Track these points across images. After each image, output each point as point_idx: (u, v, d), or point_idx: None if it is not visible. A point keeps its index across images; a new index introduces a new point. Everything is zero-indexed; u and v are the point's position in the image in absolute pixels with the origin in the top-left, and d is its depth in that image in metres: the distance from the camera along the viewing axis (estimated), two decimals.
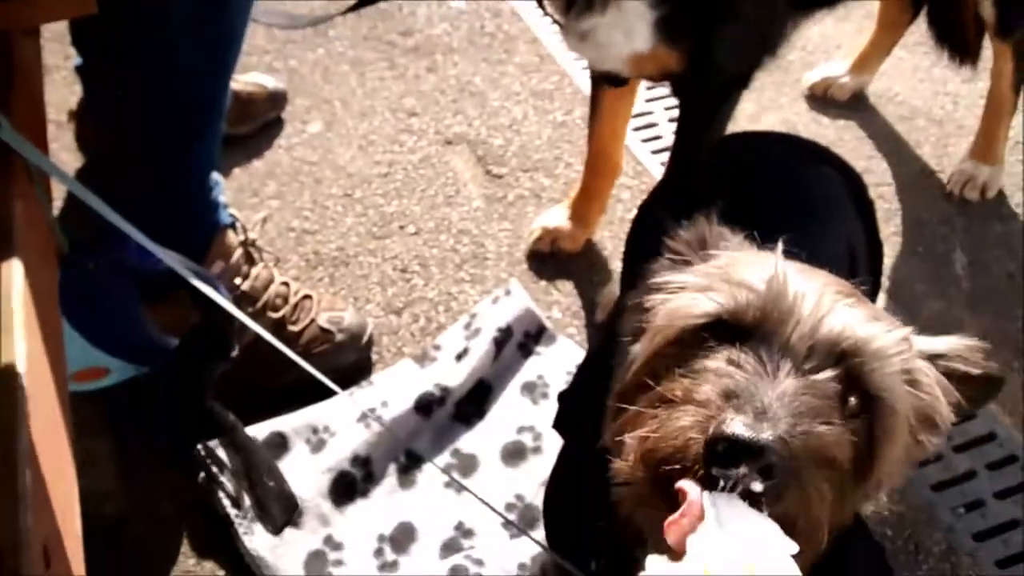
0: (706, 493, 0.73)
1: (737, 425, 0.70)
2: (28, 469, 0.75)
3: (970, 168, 2.27)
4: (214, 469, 1.57)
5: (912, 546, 1.66)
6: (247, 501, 1.49)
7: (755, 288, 0.82)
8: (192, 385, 1.36)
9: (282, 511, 1.37)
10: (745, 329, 0.81)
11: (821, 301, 0.80)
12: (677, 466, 0.74)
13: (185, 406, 1.36)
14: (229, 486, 1.55)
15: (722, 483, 0.70)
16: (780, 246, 0.87)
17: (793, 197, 1.29)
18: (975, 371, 0.90)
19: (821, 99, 2.48)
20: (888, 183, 2.30)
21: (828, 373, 0.78)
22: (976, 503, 1.74)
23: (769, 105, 2.46)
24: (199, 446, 1.59)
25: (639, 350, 0.89)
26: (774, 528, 0.71)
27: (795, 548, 0.70)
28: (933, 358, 0.88)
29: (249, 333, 1.70)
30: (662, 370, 0.84)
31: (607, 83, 1.83)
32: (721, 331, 0.82)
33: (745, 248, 0.92)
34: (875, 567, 1.07)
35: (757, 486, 0.70)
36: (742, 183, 1.29)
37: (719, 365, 0.78)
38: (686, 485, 0.72)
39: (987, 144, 2.26)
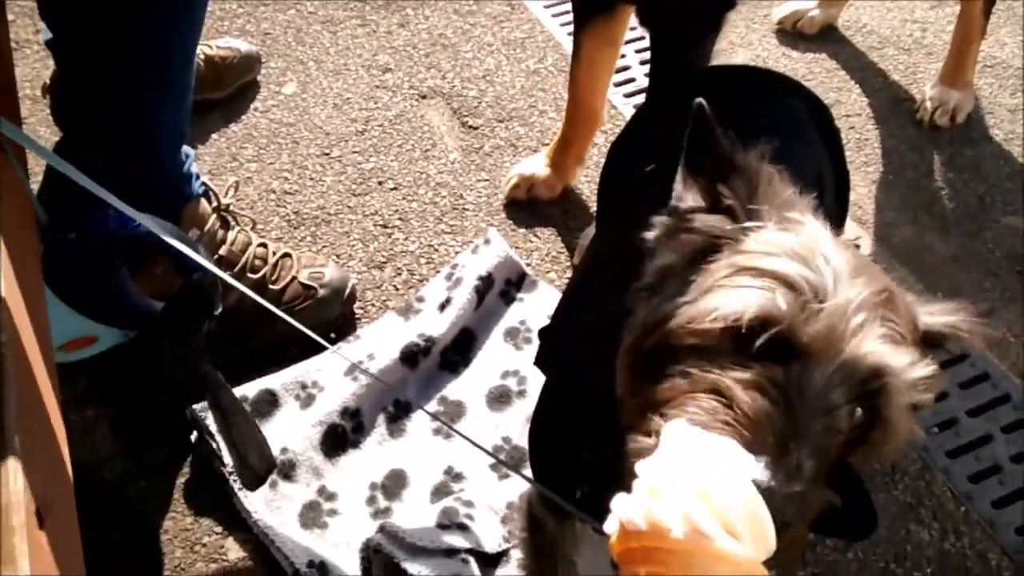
0: (669, 424, 0.77)
1: (766, 474, 0.73)
2: (17, 433, 0.78)
3: (940, 94, 2.28)
4: (207, 428, 1.61)
5: (888, 466, 1.71)
6: (228, 459, 1.53)
7: (799, 299, 0.81)
8: (180, 346, 1.39)
9: (263, 468, 1.41)
10: (782, 339, 0.80)
11: (862, 323, 0.80)
12: None
13: (175, 367, 1.39)
14: (218, 444, 1.59)
15: None
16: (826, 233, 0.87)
17: (763, 128, 1.31)
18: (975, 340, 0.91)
19: (791, 33, 2.49)
20: (859, 113, 2.32)
21: (850, 405, 0.80)
22: (949, 422, 1.79)
23: (739, 42, 2.47)
24: (188, 409, 1.64)
25: (658, 314, 0.87)
26: (736, 450, 0.74)
27: (755, 470, 0.73)
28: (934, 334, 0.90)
29: (232, 296, 1.74)
30: (682, 348, 0.84)
31: (592, 8, 1.82)
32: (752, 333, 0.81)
33: (789, 211, 0.90)
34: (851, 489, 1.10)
35: None
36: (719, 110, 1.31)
37: (754, 378, 0.79)
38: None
39: (957, 69, 2.28)
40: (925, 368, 0.82)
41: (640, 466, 0.73)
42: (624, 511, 0.70)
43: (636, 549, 0.69)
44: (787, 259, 0.83)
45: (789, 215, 0.88)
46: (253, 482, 1.45)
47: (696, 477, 0.70)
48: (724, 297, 0.82)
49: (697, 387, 0.80)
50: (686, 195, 0.92)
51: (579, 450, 1.10)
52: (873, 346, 0.80)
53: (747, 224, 0.88)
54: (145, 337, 1.46)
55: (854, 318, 0.80)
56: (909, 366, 0.81)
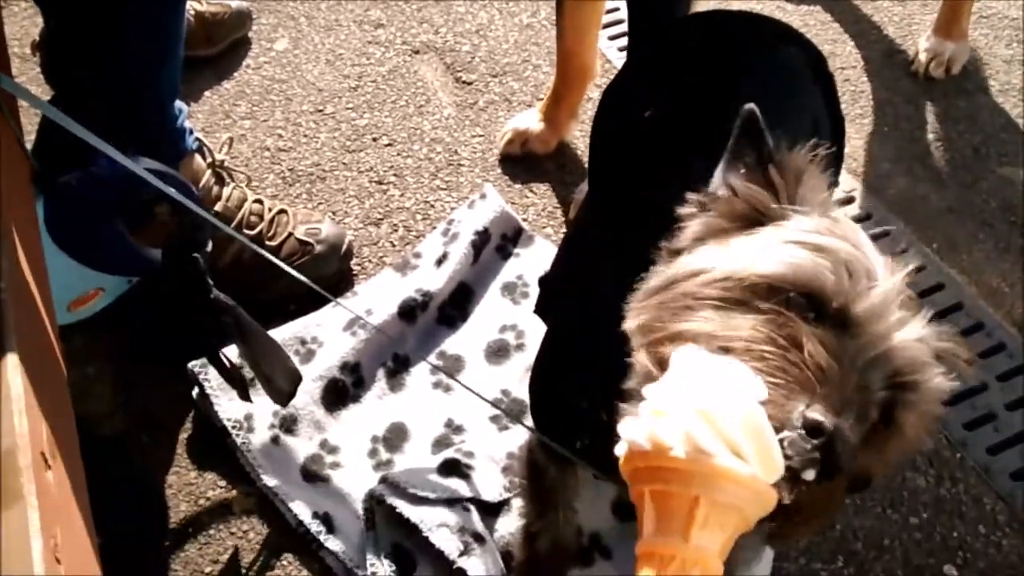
0: (681, 349, 0.77)
1: (820, 413, 0.73)
2: (19, 376, 0.78)
3: (935, 45, 2.28)
4: (207, 383, 1.62)
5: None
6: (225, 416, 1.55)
7: (851, 274, 0.81)
8: (189, 280, 1.39)
9: (289, 383, 1.44)
10: (825, 308, 0.80)
11: (905, 317, 0.81)
12: None
13: (189, 299, 1.39)
14: (217, 401, 1.60)
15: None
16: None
17: (762, 74, 1.31)
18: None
19: None
20: (853, 65, 2.31)
21: (882, 393, 0.79)
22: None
23: None
24: (187, 366, 1.64)
25: (685, 270, 0.87)
26: (745, 373, 0.73)
27: (762, 392, 0.72)
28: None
29: (229, 253, 1.74)
30: (709, 300, 0.83)
31: None
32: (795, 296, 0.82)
33: (827, 209, 0.90)
34: None
35: (809, 473, 0.72)
36: (710, 63, 1.31)
37: (823, 337, 0.78)
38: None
39: (951, 20, 2.27)
40: (948, 382, 0.83)
41: (647, 389, 0.74)
42: (629, 432, 0.71)
43: (641, 468, 0.70)
44: (835, 238, 0.83)
45: (828, 211, 0.89)
46: (283, 398, 1.47)
47: (701, 398, 0.70)
48: (774, 259, 0.82)
49: (764, 331, 0.78)
50: (728, 176, 0.91)
51: (577, 399, 1.10)
52: (915, 342, 0.80)
53: (792, 207, 0.88)
54: (151, 281, 1.45)
55: (899, 309, 0.81)
56: (940, 374, 0.82)
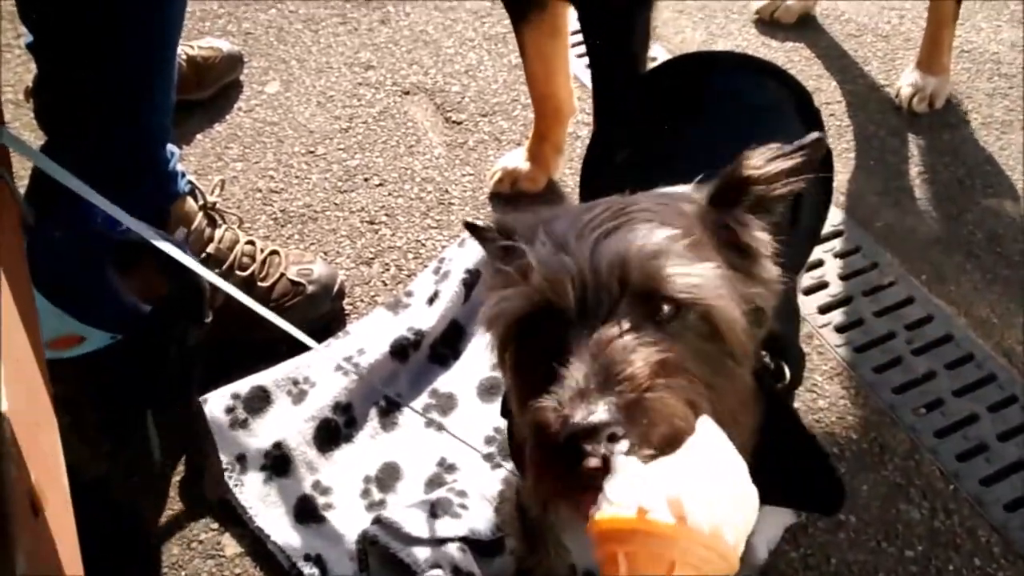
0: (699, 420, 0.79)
1: (572, 423, 0.75)
2: (7, 422, 0.78)
3: (917, 80, 2.31)
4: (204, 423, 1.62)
5: (877, 448, 1.72)
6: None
7: (545, 275, 0.84)
8: (166, 352, 1.40)
9: (213, 494, 1.45)
10: (548, 310, 0.84)
11: (583, 246, 0.84)
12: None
13: (158, 372, 1.40)
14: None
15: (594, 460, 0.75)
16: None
17: (738, 111, 1.32)
18: (790, 161, 0.92)
19: (769, 23, 2.51)
20: (839, 100, 2.34)
21: (625, 311, 0.82)
22: (936, 402, 1.80)
23: (719, 32, 2.49)
24: (199, 399, 1.64)
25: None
26: (731, 451, 0.76)
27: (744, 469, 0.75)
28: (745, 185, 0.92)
29: (221, 295, 1.74)
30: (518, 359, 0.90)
31: (523, 2, 1.80)
32: (535, 319, 0.86)
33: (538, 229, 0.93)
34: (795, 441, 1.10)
35: (622, 447, 0.75)
36: (688, 101, 1.32)
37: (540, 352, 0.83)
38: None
39: (932, 55, 2.30)
40: (664, 229, 0.85)
41: (608, 488, 0.74)
42: (615, 494, 0.72)
43: (619, 530, 0.71)
44: (531, 253, 0.87)
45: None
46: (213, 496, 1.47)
47: (690, 469, 0.73)
48: (495, 300, 0.88)
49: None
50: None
51: None
52: (604, 248, 0.83)
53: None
54: (129, 343, 1.45)
55: (584, 242, 0.84)
56: (644, 240, 0.84)
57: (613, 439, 0.75)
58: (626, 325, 0.81)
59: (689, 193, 0.95)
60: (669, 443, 0.77)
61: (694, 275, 0.83)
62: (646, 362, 0.79)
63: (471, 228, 1.02)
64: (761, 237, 0.91)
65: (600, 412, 0.75)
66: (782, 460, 0.96)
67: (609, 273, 0.82)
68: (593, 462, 0.74)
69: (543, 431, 0.78)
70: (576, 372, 0.79)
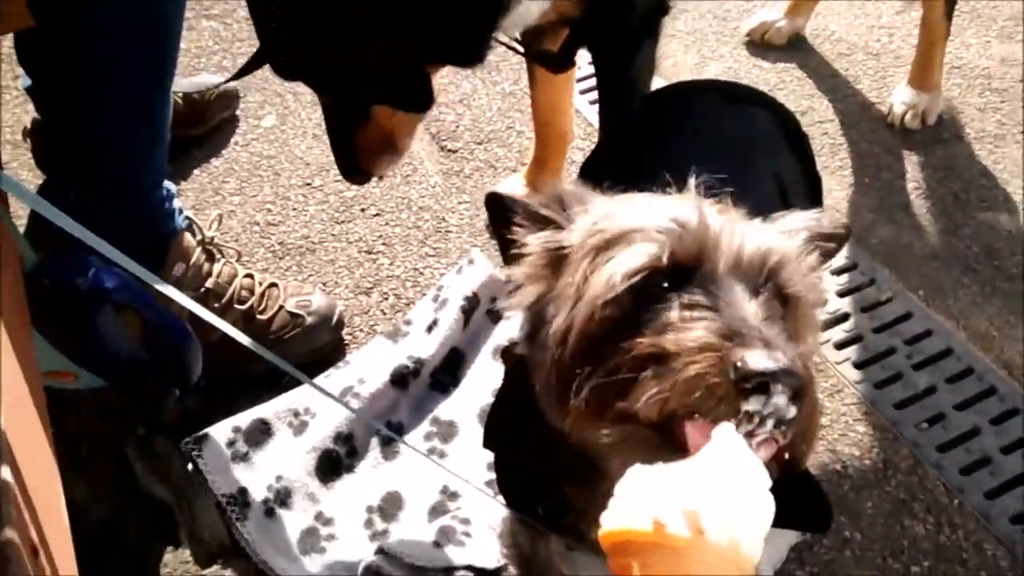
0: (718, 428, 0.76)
1: (759, 359, 0.72)
2: (5, 464, 0.78)
3: (909, 97, 2.32)
4: (200, 460, 1.61)
5: (880, 464, 1.72)
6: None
7: (683, 227, 0.83)
8: (142, 414, 1.41)
9: (213, 546, 1.43)
10: (682, 272, 0.81)
11: (733, 228, 0.84)
12: (696, 414, 0.75)
13: (130, 433, 1.41)
14: (217, 474, 1.59)
15: (757, 417, 0.72)
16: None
17: (721, 139, 1.33)
18: (832, 230, 0.97)
19: (760, 45, 2.53)
20: (831, 119, 2.35)
21: (769, 291, 0.82)
22: (938, 417, 1.80)
23: (710, 55, 2.51)
24: (182, 443, 1.64)
25: (560, 326, 0.86)
26: (755, 463, 0.74)
27: (767, 481, 0.73)
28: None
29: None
30: (603, 336, 0.82)
31: (540, 64, 1.83)
32: (655, 280, 0.82)
33: (608, 197, 0.94)
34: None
35: (792, 411, 0.73)
36: (671, 131, 1.33)
37: (683, 313, 0.79)
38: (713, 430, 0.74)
39: (923, 72, 2.32)
40: (799, 236, 0.89)
41: (645, 469, 0.73)
42: (627, 507, 0.71)
43: (632, 543, 0.70)
44: (644, 210, 0.87)
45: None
46: (205, 559, 1.46)
47: (710, 480, 0.71)
48: (609, 267, 0.84)
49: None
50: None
51: (531, 469, 1.08)
52: (756, 236, 0.84)
53: (571, 212, 0.92)
54: (114, 393, 1.45)
55: (723, 225, 0.84)
56: (789, 240, 0.87)
57: (795, 397, 0.72)
58: (765, 314, 0.80)
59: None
60: (798, 448, 0.76)
61: (809, 280, 0.86)
62: (801, 358, 0.76)
63: (493, 200, 0.98)
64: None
65: (798, 367, 0.73)
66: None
67: (756, 259, 0.82)
68: (781, 399, 0.72)
69: (710, 350, 0.74)
70: (750, 317, 0.76)
